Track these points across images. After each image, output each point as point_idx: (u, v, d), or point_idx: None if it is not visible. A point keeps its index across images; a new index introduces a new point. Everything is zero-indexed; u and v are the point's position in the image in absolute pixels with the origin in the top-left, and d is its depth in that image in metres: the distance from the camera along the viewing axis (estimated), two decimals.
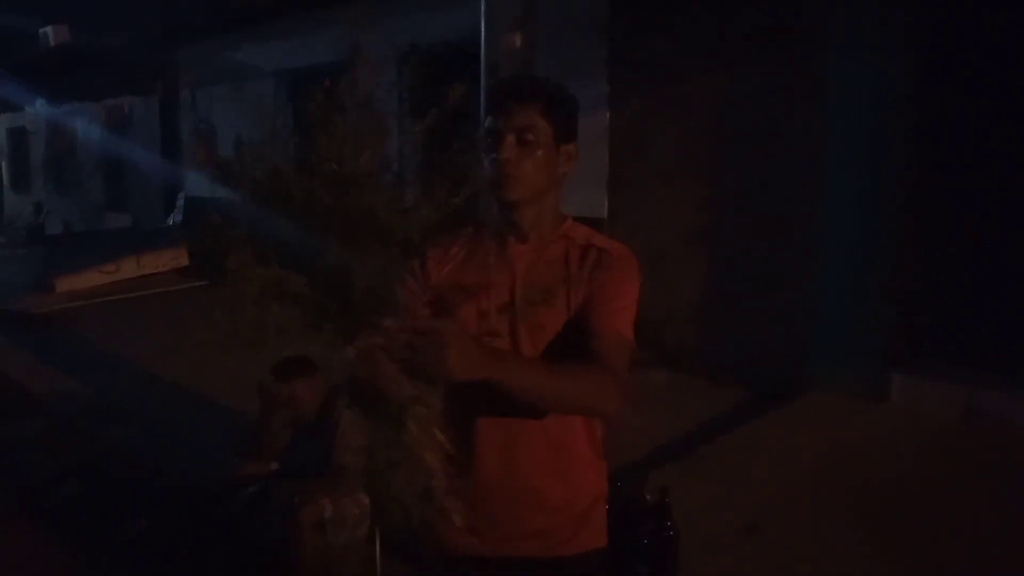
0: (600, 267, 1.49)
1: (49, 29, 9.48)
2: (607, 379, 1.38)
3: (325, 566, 3.07)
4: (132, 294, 8.80)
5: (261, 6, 8.46)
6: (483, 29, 1.80)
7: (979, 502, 3.36)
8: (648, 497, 2.33)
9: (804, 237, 4.81)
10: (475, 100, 2.24)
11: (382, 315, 1.23)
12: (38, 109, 15.17)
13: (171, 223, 11.22)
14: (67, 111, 14.26)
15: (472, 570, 1.55)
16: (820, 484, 3.54)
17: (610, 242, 1.55)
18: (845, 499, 3.39)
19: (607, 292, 1.47)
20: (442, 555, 1.57)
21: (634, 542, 1.71)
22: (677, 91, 5.38)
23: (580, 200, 1.74)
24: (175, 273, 9.78)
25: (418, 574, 1.77)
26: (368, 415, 1.35)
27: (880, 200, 4.50)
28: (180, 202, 11.20)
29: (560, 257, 1.52)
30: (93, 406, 5.05)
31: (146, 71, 11.15)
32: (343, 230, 1.19)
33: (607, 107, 5.68)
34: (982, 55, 4.26)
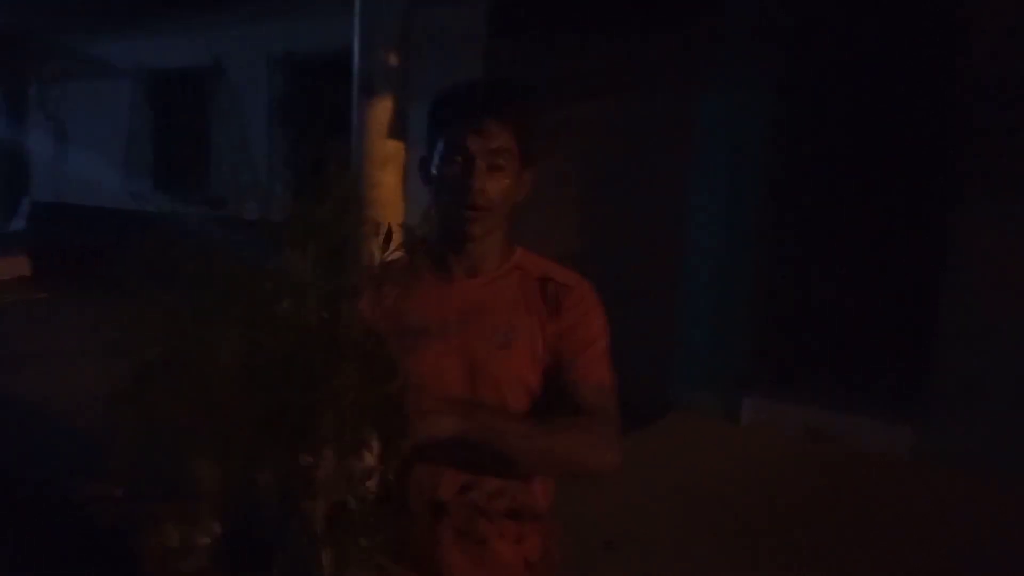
0: (564, 306, 1.33)
1: None
2: (598, 432, 1.25)
3: None
4: None
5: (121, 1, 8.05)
6: (356, 43, 1.77)
7: (822, 519, 3.57)
8: None
9: (668, 264, 5.01)
10: (348, 112, 2.19)
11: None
12: None
13: (12, 229, 10.41)
14: None
15: None
16: (676, 502, 3.66)
17: (567, 273, 1.39)
18: (700, 517, 3.53)
19: (581, 337, 1.32)
20: None
21: None
22: (551, 117, 5.49)
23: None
24: (16, 283, 9.07)
25: None
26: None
27: (737, 232, 4.76)
28: (24, 207, 10.41)
29: (515, 293, 1.34)
30: None
31: None
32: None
33: None
34: (841, 95, 4.58)
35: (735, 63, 4.69)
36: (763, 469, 4.10)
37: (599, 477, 1.33)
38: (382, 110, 1.89)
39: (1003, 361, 3.95)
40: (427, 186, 1.33)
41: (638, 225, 5.14)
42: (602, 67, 5.27)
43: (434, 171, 1.30)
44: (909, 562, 3.19)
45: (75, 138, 9.76)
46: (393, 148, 1.86)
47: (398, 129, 1.88)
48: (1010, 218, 3.91)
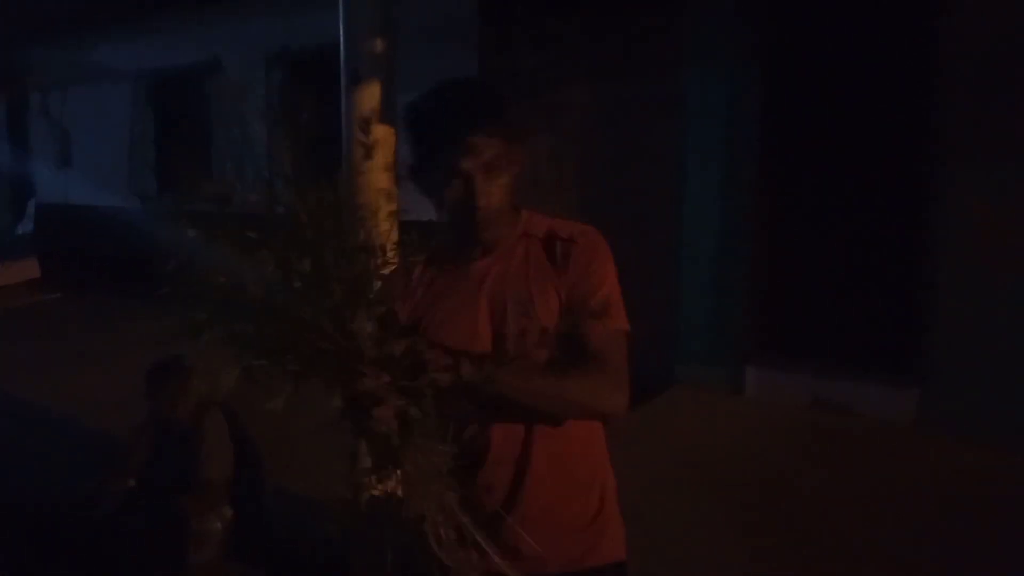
0: (571, 261, 1.40)
1: None
2: (603, 376, 1.33)
3: None
4: None
5: (118, 4, 8.09)
6: (342, 33, 1.80)
7: (827, 487, 3.62)
8: None
9: (667, 241, 5.05)
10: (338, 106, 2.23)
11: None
12: None
13: (20, 232, 10.52)
14: None
15: None
16: (681, 475, 3.71)
17: (573, 227, 1.45)
18: (705, 488, 3.58)
19: (586, 286, 1.38)
20: None
21: None
22: (545, 101, 5.53)
23: None
24: (25, 286, 9.18)
25: None
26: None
27: (734, 206, 4.79)
28: (30, 210, 10.51)
29: (525, 260, 1.42)
30: None
31: None
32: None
33: None
34: (823, 70, 4.60)
35: (723, 38, 4.71)
36: (768, 439, 4.15)
37: (608, 419, 1.45)
38: (369, 96, 1.94)
39: (1004, 325, 3.97)
40: (424, 195, 1.41)
41: (637, 203, 5.18)
42: (591, 49, 5.30)
43: (432, 191, 1.39)
44: (914, 528, 3.23)
45: (79, 140, 9.83)
46: (382, 133, 1.90)
47: (387, 115, 1.92)
48: (1006, 179, 3.92)
